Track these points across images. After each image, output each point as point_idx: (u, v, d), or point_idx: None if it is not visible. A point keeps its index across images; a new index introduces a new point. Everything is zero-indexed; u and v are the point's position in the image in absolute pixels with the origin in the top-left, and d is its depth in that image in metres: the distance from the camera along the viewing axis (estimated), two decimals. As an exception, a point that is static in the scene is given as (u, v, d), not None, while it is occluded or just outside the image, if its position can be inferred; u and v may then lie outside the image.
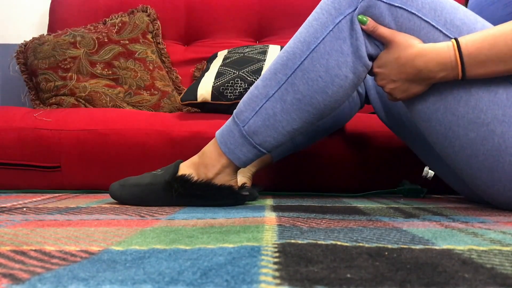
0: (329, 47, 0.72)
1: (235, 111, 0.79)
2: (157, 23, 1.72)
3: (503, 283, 0.32)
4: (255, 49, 1.40)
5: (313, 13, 0.75)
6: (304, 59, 0.73)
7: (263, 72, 0.77)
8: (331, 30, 0.72)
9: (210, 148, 0.81)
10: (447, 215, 0.71)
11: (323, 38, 0.72)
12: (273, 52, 1.37)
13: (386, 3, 0.70)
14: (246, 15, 1.78)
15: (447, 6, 0.71)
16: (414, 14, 0.70)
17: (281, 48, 1.41)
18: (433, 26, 0.70)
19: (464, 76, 0.69)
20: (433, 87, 0.72)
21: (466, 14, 0.71)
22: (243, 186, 0.85)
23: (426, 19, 0.70)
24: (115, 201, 0.87)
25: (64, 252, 0.43)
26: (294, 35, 0.77)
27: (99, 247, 0.45)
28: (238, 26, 1.77)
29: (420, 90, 0.73)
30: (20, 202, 0.91)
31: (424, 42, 0.70)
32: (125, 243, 0.46)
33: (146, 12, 1.73)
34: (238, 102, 1.24)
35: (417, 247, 0.45)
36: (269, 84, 0.75)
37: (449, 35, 0.70)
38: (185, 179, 0.80)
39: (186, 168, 0.82)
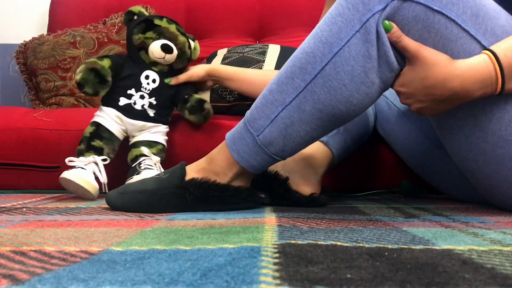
0: (355, 51, 0.63)
1: (247, 116, 0.72)
2: (157, 23, 1.72)
3: (503, 283, 0.32)
4: (255, 49, 1.40)
5: (337, 4, 0.65)
6: (326, 65, 0.64)
7: (278, 73, 0.71)
8: (357, 31, 0.63)
9: (220, 156, 0.74)
10: (447, 215, 0.71)
11: (348, 40, 0.63)
12: (273, 52, 1.36)
13: (423, 4, 0.61)
14: (246, 15, 1.78)
15: (490, 11, 0.63)
16: (453, 20, 0.61)
17: (281, 48, 1.40)
18: (472, 35, 0.62)
19: (502, 91, 0.62)
20: (464, 104, 0.66)
21: (507, 19, 0.65)
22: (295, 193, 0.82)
23: (465, 27, 0.62)
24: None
25: (64, 252, 0.43)
26: (314, 30, 0.67)
27: (99, 248, 0.44)
28: (238, 26, 1.77)
29: (452, 107, 0.66)
30: (20, 202, 0.91)
31: (459, 53, 0.63)
32: (125, 244, 0.46)
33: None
34: (237, 104, 1.24)
35: (417, 247, 0.45)
36: (285, 89, 0.67)
37: (487, 46, 0.63)
38: (200, 182, 0.74)
39: (194, 173, 0.75)
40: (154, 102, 1.04)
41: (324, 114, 0.67)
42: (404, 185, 1.08)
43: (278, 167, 0.85)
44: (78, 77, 0.97)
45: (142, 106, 1.03)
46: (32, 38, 1.61)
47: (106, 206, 0.82)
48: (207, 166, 0.76)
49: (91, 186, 0.91)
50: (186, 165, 0.78)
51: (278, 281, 0.32)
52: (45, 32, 1.85)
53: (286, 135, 0.69)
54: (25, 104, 1.86)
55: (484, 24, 0.63)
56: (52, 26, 1.80)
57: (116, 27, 1.64)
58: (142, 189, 0.75)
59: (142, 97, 1.03)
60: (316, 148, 0.88)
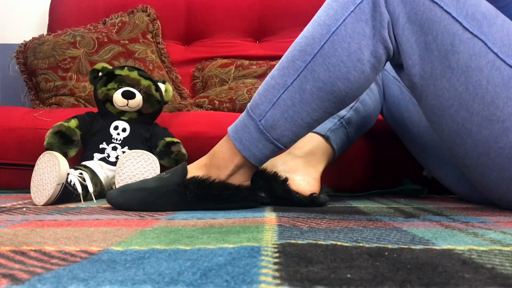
0: (351, 29, 0.68)
1: (249, 105, 0.73)
2: (157, 23, 1.72)
3: (503, 283, 0.32)
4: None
5: None
6: (324, 43, 0.68)
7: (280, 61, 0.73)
8: (352, 11, 0.68)
9: (221, 148, 0.75)
10: (447, 215, 0.71)
11: (344, 20, 0.68)
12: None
13: None
14: (246, 15, 1.78)
15: None
16: (436, 3, 0.67)
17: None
18: (454, 17, 0.66)
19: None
20: (449, 83, 0.69)
21: (488, 8, 0.69)
22: (289, 190, 0.82)
23: (447, 9, 0.67)
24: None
25: (64, 252, 0.43)
26: (313, 19, 0.72)
27: (99, 247, 0.44)
28: (238, 26, 1.77)
29: None
30: (20, 202, 0.91)
31: (443, 34, 0.67)
32: (125, 243, 0.46)
33: (146, 12, 1.73)
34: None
35: (417, 247, 0.45)
36: (286, 72, 0.70)
37: (469, 28, 0.67)
38: (200, 180, 0.74)
39: (195, 171, 0.76)
40: (128, 151, 0.97)
41: (323, 93, 0.69)
42: (404, 185, 1.08)
43: (277, 166, 0.85)
44: (45, 142, 1.00)
45: (116, 157, 1.02)
46: (32, 38, 1.61)
47: (106, 205, 0.82)
48: (209, 161, 0.76)
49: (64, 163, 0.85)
50: (186, 165, 0.78)
51: (278, 281, 0.32)
52: (45, 32, 1.86)
53: (287, 117, 0.71)
54: (25, 104, 1.86)
55: (465, 8, 0.67)
56: (52, 26, 1.80)
57: (116, 27, 1.64)
58: (143, 187, 0.76)
59: (114, 148, 1.03)
60: (316, 144, 0.88)
